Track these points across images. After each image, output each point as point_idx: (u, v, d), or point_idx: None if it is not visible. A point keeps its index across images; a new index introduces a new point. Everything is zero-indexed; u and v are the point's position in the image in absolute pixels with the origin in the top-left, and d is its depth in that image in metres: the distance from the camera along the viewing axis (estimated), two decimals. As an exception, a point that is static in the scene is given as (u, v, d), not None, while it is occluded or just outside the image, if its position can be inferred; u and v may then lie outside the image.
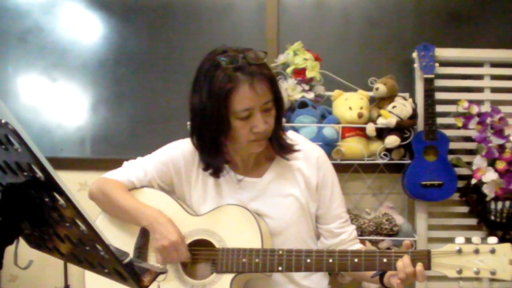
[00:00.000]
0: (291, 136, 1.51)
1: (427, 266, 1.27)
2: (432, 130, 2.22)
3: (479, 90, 2.42)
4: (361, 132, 2.26)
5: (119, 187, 1.50)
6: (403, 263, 1.27)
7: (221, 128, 1.35)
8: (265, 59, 1.35)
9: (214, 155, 1.42)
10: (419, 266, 1.26)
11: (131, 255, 1.14)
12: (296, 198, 1.48)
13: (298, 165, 1.48)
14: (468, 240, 1.25)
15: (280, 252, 1.37)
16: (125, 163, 1.59)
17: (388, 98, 2.28)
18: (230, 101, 1.30)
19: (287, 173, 1.48)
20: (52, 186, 0.81)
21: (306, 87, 2.25)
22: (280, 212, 1.47)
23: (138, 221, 1.45)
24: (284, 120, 1.50)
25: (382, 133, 2.24)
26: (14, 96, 2.52)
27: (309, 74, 2.23)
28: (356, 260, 1.33)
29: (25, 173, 0.84)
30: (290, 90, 2.23)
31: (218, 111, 1.31)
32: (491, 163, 2.21)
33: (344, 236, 1.52)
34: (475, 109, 2.23)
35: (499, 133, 2.19)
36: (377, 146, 2.25)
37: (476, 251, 1.23)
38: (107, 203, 1.51)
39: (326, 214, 1.52)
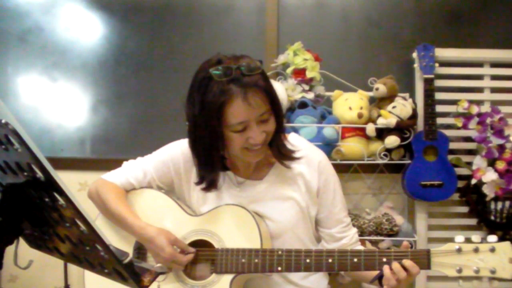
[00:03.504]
0: (292, 140, 1.49)
1: (427, 266, 1.27)
2: (432, 130, 2.22)
3: (479, 90, 2.42)
4: (361, 132, 2.26)
5: (114, 193, 1.50)
6: (394, 268, 1.27)
7: (215, 141, 1.33)
8: (260, 69, 1.30)
9: (209, 168, 1.41)
10: (407, 262, 1.27)
11: (131, 255, 1.14)
12: (296, 202, 1.47)
13: (300, 169, 1.47)
14: (468, 239, 1.25)
15: (280, 252, 1.37)
16: (125, 163, 1.59)
17: (388, 98, 2.28)
18: (224, 115, 1.27)
19: (288, 177, 1.48)
20: (52, 186, 0.81)
21: (306, 87, 2.25)
22: (280, 215, 1.47)
23: (129, 233, 1.47)
24: (284, 120, 1.49)
25: (382, 133, 2.24)
26: (14, 96, 2.52)
27: (309, 74, 2.23)
28: (355, 259, 1.33)
29: (25, 173, 0.84)
30: (290, 90, 2.23)
31: (211, 125, 1.29)
32: (491, 163, 2.21)
33: (345, 241, 1.52)
34: (475, 109, 2.23)
35: (499, 133, 2.19)
36: (377, 146, 2.25)
37: (476, 250, 1.23)
38: (102, 206, 1.51)
39: (328, 218, 1.52)
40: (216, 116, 1.27)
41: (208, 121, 1.29)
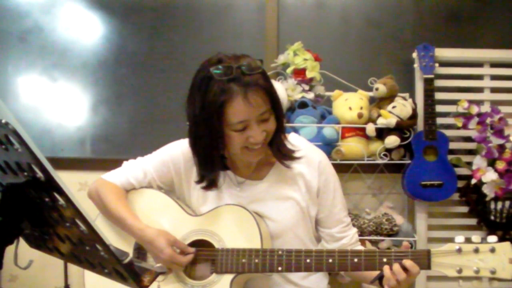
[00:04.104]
0: (292, 140, 1.48)
1: (427, 266, 1.27)
2: (432, 130, 2.22)
3: (479, 90, 2.42)
4: (361, 132, 2.26)
5: (114, 193, 1.50)
6: (394, 269, 1.27)
7: (215, 140, 1.33)
8: (261, 68, 1.30)
9: (209, 168, 1.41)
10: (407, 262, 1.26)
11: (131, 255, 1.14)
12: (297, 202, 1.47)
13: (300, 169, 1.47)
14: (468, 240, 1.25)
15: (280, 252, 1.37)
16: (125, 163, 1.59)
17: (388, 98, 2.28)
18: (224, 114, 1.27)
19: (288, 177, 1.47)
20: (52, 186, 0.81)
21: (306, 87, 2.25)
22: (280, 215, 1.47)
23: (128, 234, 1.46)
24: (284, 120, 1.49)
25: (382, 133, 2.24)
26: (14, 96, 2.52)
27: (309, 74, 2.23)
28: (356, 260, 1.33)
29: (25, 173, 0.84)
30: (290, 90, 2.23)
31: (211, 124, 1.29)
32: (491, 163, 2.21)
33: (345, 241, 1.52)
34: (475, 109, 2.23)
35: (499, 133, 2.19)
36: (377, 146, 2.25)
37: (476, 250, 1.23)
38: (102, 206, 1.51)
39: (328, 218, 1.52)
40: (216, 115, 1.28)
41: (209, 120, 1.29)
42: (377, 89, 2.27)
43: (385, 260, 1.30)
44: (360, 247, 1.55)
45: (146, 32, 2.52)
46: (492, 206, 2.26)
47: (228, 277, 1.39)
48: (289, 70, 2.26)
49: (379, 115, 2.22)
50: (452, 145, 2.32)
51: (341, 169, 2.15)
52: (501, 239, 1.23)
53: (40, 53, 2.51)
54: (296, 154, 1.44)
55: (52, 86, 2.52)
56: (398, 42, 2.49)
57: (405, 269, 1.27)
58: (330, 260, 1.34)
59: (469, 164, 2.29)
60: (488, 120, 2.21)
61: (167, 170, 1.52)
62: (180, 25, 2.51)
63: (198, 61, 1.36)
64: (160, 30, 2.51)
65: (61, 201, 0.83)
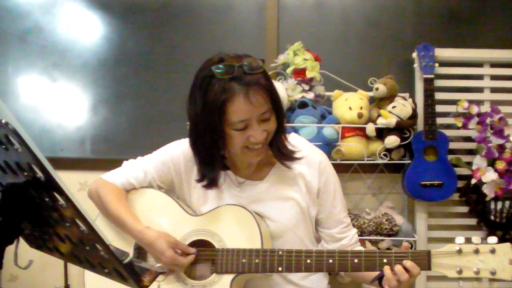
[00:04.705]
0: (293, 140, 1.48)
1: (427, 267, 1.27)
2: (432, 130, 2.22)
3: (479, 90, 2.42)
4: (361, 132, 2.26)
5: (115, 194, 1.49)
6: (396, 270, 1.27)
7: (215, 140, 1.33)
8: (262, 68, 1.30)
9: (209, 167, 1.41)
10: (408, 263, 1.26)
11: (131, 255, 1.14)
12: (297, 202, 1.47)
13: (300, 170, 1.47)
14: (468, 240, 1.25)
15: (280, 252, 1.37)
16: (125, 163, 1.58)
17: (388, 98, 2.28)
18: (225, 113, 1.27)
19: (288, 177, 1.47)
20: (52, 186, 0.81)
21: (306, 87, 2.25)
22: (280, 215, 1.47)
23: (128, 234, 1.46)
24: (284, 120, 1.49)
25: (382, 133, 2.24)
26: (14, 96, 2.52)
27: (309, 74, 2.23)
28: (356, 260, 1.33)
29: (25, 173, 0.84)
30: (290, 90, 2.23)
31: (212, 123, 1.29)
32: (491, 163, 2.22)
33: (345, 241, 1.52)
34: (475, 109, 2.23)
35: (499, 133, 2.19)
36: (377, 146, 2.25)
37: (476, 251, 1.23)
38: (101, 207, 1.51)
39: (328, 219, 1.51)
40: (217, 114, 1.28)
41: (210, 119, 1.29)
42: (377, 89, 2.27)
43: (385, 260, 1.30)
44: (360, 248, 1.55)
45: (146, 32, 2.52)
46: (492, 206, 2.26)
47: (228, 277, 1.39)
48: (289, 70, 2.26)
49: (379, 115, 2.22)
50: (452, 145, 2.32)
51: (341, 169, 2.15)
52: (501, 239, 1.24)
53: (40, 53, 2.51)
54: (297, 155, 1.44)
55: (52, 86, 2.52)
56: (398, 42, 2.49)
57: (405, 269, 1.27)
58: (331, 261, 1.34)
59: (469, 164, 2.29)
60: (488, 120, 2.21)
61: (168, 170, 1.52)
62: (180, 25, 2.51)
63: (199, 61, 1.36)
64: (160, 30, 2.52)
65: (61, 201, 0.83)
